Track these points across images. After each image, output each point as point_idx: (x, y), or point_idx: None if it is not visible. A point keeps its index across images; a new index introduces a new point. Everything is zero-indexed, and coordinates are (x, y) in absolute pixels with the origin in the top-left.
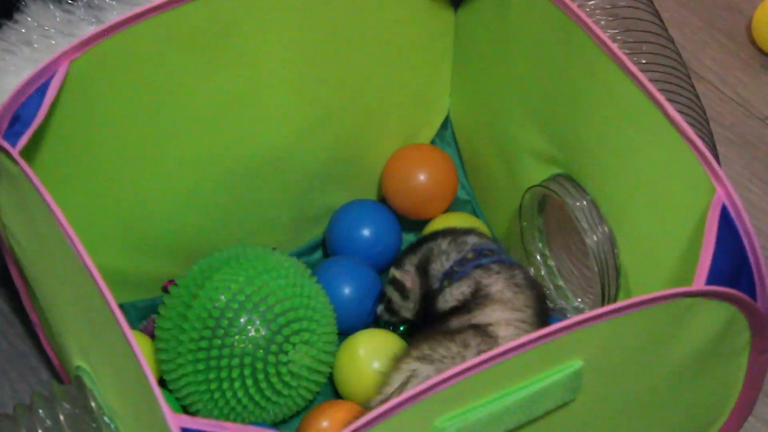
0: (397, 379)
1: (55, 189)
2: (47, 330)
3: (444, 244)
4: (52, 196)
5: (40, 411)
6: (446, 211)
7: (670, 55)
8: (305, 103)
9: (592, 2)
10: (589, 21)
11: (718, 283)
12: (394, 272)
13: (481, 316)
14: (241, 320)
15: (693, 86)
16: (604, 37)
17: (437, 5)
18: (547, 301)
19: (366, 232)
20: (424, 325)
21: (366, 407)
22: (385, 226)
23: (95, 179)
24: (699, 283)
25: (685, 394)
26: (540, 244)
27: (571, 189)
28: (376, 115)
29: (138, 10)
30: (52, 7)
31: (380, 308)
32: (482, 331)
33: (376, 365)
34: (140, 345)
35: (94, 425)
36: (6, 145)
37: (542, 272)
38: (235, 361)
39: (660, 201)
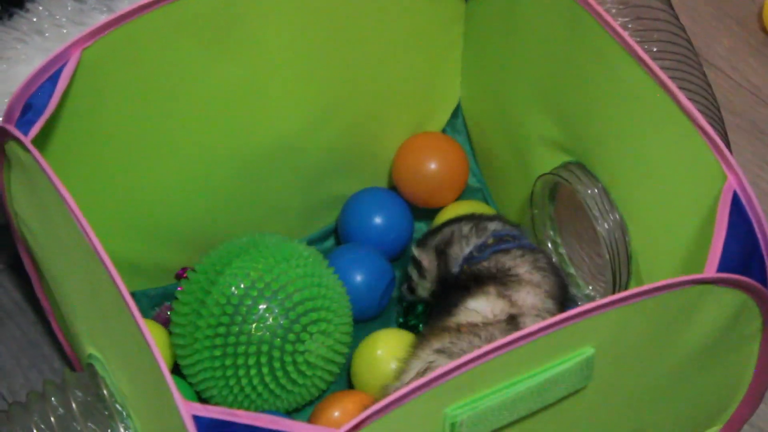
0: (415, 368)
1: (66, 177)
2: (59, 318)
3: (466, 228)
4: (63, 185)
5: (53, 399)
6: (457, 199)
7: (681, 43)
8: (316, 92)
9: None
10: (599, 9)
11: (729, 270)
12: (414, 250)
13: (516, 299)
14: (260, 308)
15: (704, 74)
16: (615, 25)
17: None
18: (568, 288)
19: (378, 220)
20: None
21: (383, 392)
22: (398, 213)
23: (107, 167)
24: (710, 270)
25: (697, 381)
26: (551, 232)
27: (582, 177)
28: (387, 103)
29: None
30: None
31: (404, 287)
32: (514, 325)
33: (394, 366)
34: (152, 333)
35: (106, 413)
36: (18, 133)
37: (553, 260)
38: (252, 349)
39: (671, 188)
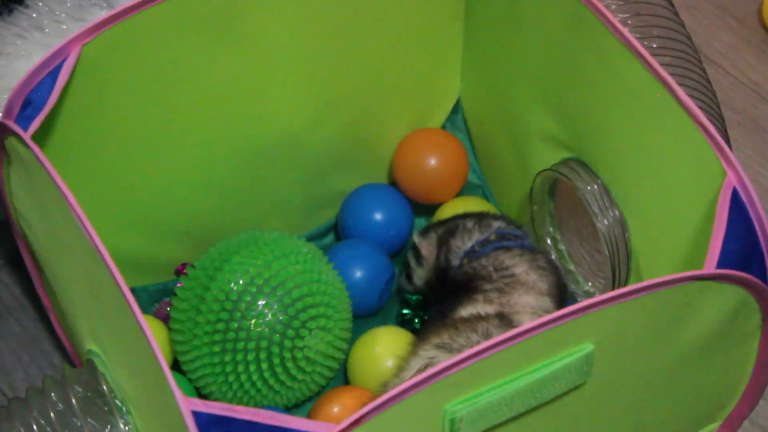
0: (415, 365)
1: (66, 173)
2: (59, 314)
3: (470, 223)
4: (63, 180)
5: (53, 394)
6: (457, 195)
7: (681, 40)
8: (316, 87)
9: None
10: (599, 5)
11: (728, 267)
12: (415, 237)
13: (508, 300)
14: (259, 304)
15: (704, 70)
16: (615, 21)
17: None
18: (567, 288)
19: (378, 216)
20: (442, 302)
21: (382, 389)
22: (398, 209)
23: (106, 163)
24: (710, 266)
25: (696, 377)
26: (551, 229)
27: (582, 173)
28: (387, 99)
29: None
30: None
31: (402, 276)
32: (507, 321)
33: (390, 364)
34: (152, 329)
35: (106, 408)
36: (18, 129)
37: (553, 256)
38: (251, 345)
39: (671, 185)
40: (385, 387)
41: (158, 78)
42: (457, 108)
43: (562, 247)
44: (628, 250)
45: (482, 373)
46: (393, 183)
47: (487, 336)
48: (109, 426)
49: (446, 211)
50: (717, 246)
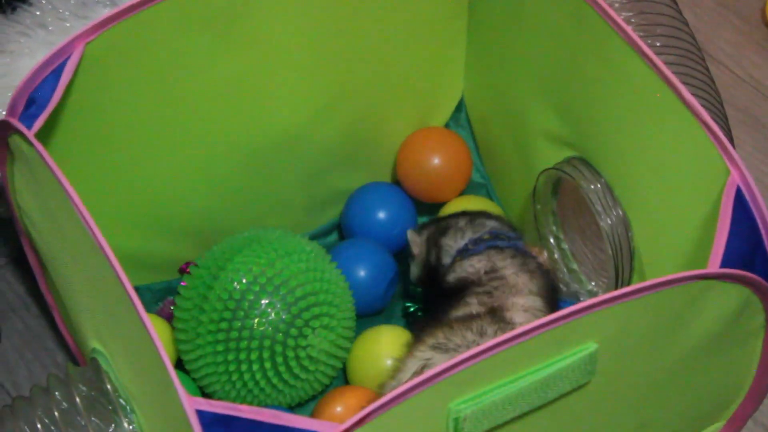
0: (411, 366)
1: (70, 171)
2: (63, 312)
3: (462, 222)
4: (67, 179)
5: (57, 393)
6: (461, 194)
7: (685, 38)
8: (319, 86)
9: None
10: (603, 3)
11: (732, 266)
12: (408, 233)
13: (498, 300)
14: (262, 303)
15: (707, 68)
16: (619, 19)
17: None
18: (558, 291)
19: (382, 215)
20: (434, 301)
21: (380, 391)
22: (401, 208)
23: (110, 161)
24: (713, 265)
25: (700, 376)
26: (554, 227)
27: (585, 172)
28: (390, 97)
29: None
30: None
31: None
32: (499, 317)
33: (390, 363)
34: (156, 328)
35: (109, 407)
36: (21, 127)
37: (556, 255)
38: (255, 344)
39: (674, 184)
40: (381, 388)
41: (161, 76)
42: (460, 106)
43: (565, 245)
44: (631, 248)
45: (486, 373)
46: (396, 182)
47: (483, 334)
48: (113, 425)
49: (450, 210)
50: (721, 245)
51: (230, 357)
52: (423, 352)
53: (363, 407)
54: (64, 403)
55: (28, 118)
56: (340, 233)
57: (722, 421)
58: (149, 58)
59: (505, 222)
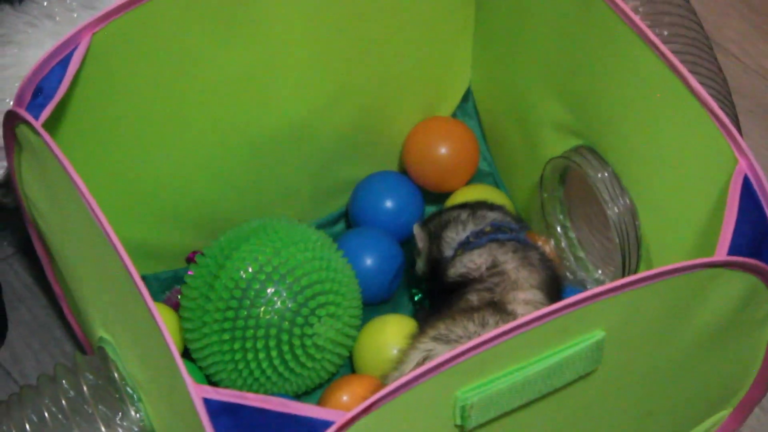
0: (414, 357)
1: (77, 161)
2: (70, 301)
3: (464, 214)
4: (74, 168)
5: (64, 382)
6: (468, 183)
7: (692, 27)
8: (326, 75)
9: None
10: None
11: (739, 254)
12: (414, 228)
13: (499, 294)
14: (268, 292)
15: (715, 58)
16: (626, 8)
17: None
18: (562, 283)
19: (389, 204)
20: (437, 296)
21: (383, 381)
22: (408, 197)
23: (117, 151)
24: (721, 253)
25: (707, 364)
26: (561, 216)
27: (593, 160)
28: (397, 87)
29: None
30: None
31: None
32: (501, 308)
33: (396, 351)
34: (163, 317)
35: (117, 396)
36: (29, 117)
37: (563, 244)
38: (261, 332)
39: (681, 172)
40: (384, 380)
41: (168, 66)
42: (467, 96)
43: (572, 234)
44: (638, 237)
45: (493, 361)
46: (403, 171)
47: (484, 325)
48: (120, 413)
49: (457, 199)
50: (728, 233)
51: (236, 346)
52: (425, 344)
53: (369, 396)
54: (72, 392)
55: (36, 108)
56: (347, 222)
57: (729, 408)
58: (156, 49)
59: (507, 212)
